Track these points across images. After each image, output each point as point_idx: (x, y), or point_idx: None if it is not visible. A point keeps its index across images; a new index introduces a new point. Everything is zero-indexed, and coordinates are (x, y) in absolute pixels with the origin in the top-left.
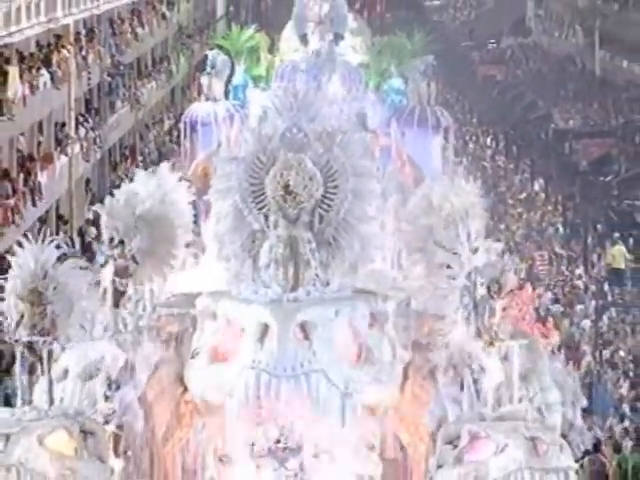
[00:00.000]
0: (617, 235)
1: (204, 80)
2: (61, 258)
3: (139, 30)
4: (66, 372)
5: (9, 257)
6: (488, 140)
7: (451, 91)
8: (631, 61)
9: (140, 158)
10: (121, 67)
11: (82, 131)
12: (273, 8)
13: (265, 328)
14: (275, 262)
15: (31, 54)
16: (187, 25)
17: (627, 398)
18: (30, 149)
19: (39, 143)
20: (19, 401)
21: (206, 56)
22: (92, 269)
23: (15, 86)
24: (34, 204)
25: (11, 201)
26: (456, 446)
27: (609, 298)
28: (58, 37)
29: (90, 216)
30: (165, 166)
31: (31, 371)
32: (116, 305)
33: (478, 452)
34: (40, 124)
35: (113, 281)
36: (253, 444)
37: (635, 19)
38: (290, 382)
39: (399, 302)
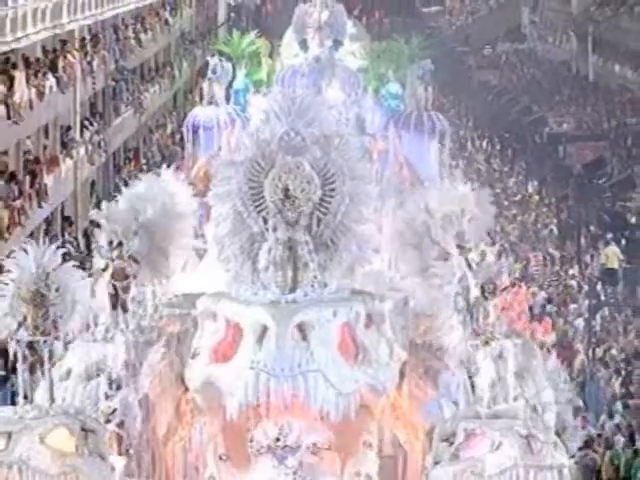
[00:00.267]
0: (610, 236)
1: (205, 85)
2: (65, 258)
3: (142, 36)
4: (69, 372)
5: (11, 260)
6: (484, 143)
7: (447, 95)
8: (624, 66)
9: (144, 161)
10: (125, 72)
11: (87, 134)
12: (273, 14)
13: (264, 329)
14: (274, 264)
15: (37, 59)
16: (189, 31)
17: (619, 395)
18: (36, 152)
19: (45, 146)
20: (21, 400)
21: (208, 62)
22: (92, 273)
23: (21, 90)
24: (40, 205)
25: (17, 202)
26: (452, 443)
27: (602, 298)
28: (64, 42)
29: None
30: (168, 171)
31: (32, 371)
32: (114, 307)
33: (474, 449)
34: (46, 128)
35: (113, 285)
36: (252, 442)
37: (627, 26)
38: (288, 382)
39: (396, 301)
